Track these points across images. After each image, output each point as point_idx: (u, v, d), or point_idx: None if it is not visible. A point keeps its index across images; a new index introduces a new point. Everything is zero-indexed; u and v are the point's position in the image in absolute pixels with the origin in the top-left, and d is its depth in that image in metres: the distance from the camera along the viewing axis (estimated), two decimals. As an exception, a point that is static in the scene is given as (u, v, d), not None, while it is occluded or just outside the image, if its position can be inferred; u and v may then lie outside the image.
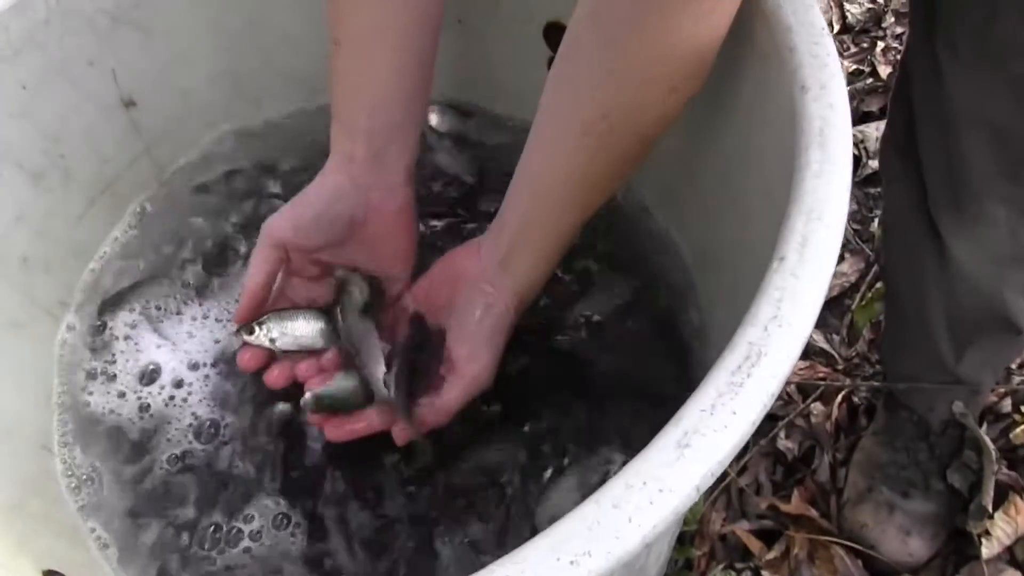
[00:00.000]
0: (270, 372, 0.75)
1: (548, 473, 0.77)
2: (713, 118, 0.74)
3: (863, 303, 1.34)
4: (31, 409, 0.81)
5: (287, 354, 0.76)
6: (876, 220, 1.42)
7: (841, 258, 1.36)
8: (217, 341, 0.86)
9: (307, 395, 0.73)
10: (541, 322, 0.84)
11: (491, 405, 0.79)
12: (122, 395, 0.82)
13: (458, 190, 0.95)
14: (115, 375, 0.84)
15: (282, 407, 0.81)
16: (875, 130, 1.47)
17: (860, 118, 1.53)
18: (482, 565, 0.42)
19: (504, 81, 0.98)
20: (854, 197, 1.43)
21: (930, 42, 0.79)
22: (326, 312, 0.76)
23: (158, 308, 0.87)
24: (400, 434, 0.72)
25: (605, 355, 0.84)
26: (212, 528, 0.76)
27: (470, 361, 0.72)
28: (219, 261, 0.91)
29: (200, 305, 0.88)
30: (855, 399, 1.25)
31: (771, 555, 1.12)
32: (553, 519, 0.43)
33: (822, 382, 1.26)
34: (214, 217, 0.94)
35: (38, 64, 0.80)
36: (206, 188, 0.96)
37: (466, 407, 0.72)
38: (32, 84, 0.80)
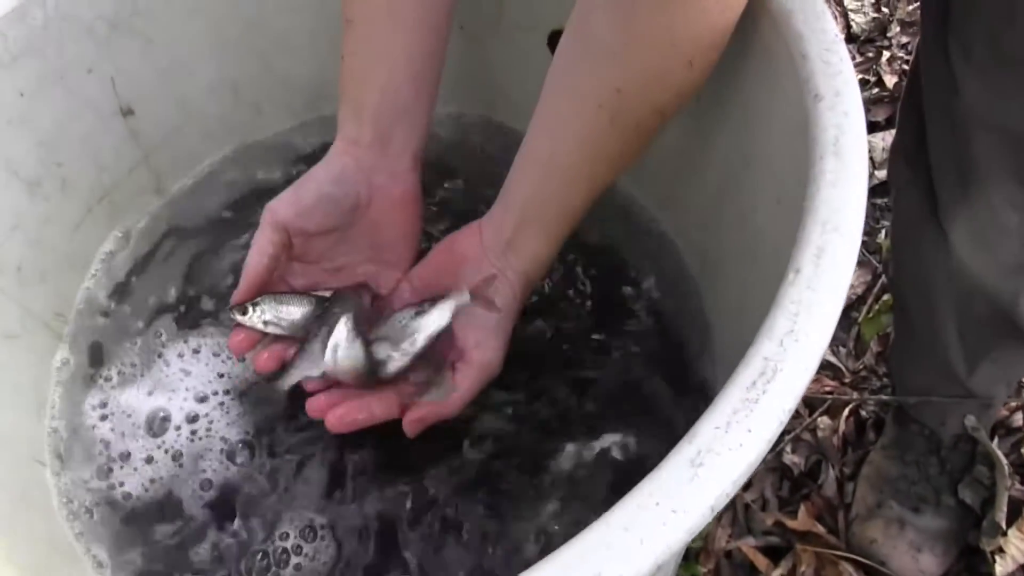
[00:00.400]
0: (259, 355, 0.73)
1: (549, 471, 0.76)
2: (722, 125, 0.72)
3: (870, 315, 1.32)
4: (25, 421, 0.79)
5: (280, 339, 0.73)
6: (883, 231, 1.40)
7: (848, 269, 1.34)
8: (222, 375, 0.83)
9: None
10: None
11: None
12: (125, 456, 0.79)
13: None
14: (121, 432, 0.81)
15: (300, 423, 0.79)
16: (881, 140, 1.46)
17: (866, 128, 1.51)
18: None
19: (506, 89, 0.97)
20: (861, 208, 1.41)
21: (942, 45, 0.78)
22: (323, 300, 0.74)
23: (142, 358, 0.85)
24: (412, 425, 0.69)
25: (603, 358, 0.82)
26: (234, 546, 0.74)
27: (480, 349, 0.70)
28: (205, 292, 0.88)
29: (185, 342, 0.85)
30: (863, 413, 1.24)
31: (778, 572, 1.10)
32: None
33: (829, 395, 1.24)
34: (206, 240, 0.92)
35: (36, 71, 0.79)
36: (201, 207, 0.95)
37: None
38: (30, 91, 0.79)
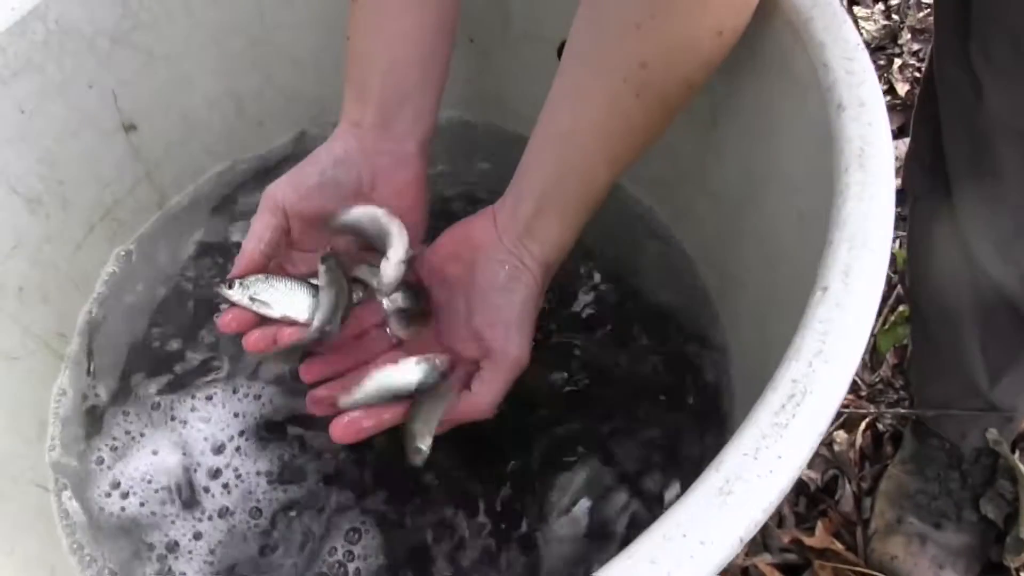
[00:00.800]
0: (250, 335, 0.69)
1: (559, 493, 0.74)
2: (739, 139, 0.71)
3: (886, 327, 1.30)
4: (25, 445, 0.77)
5: (272, 323, 0.71)
6: (899, 241, 1.38)
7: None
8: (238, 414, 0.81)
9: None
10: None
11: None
12: (173, 546, 0.76)
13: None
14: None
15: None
16: (895, 149, 1.43)
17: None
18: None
19: (514, 101, 0.95)
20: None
21: (963, 50, 0.76)
22: (315, 287, 0.72)
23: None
24: (440, 427, 0.65)
25: (618, 372, 0.80)
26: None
27: (506, 343, 0.65)
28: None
29: (193, 397, 0.82)
30: (879, 426, 1.21)
31: (796, 590, 1.08)
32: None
33: (845, 409, 1.22)
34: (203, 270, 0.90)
35: (36, 86, 0.78)
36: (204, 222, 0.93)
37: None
38: (30, 107, 0.78)
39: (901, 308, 1.30)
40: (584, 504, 0.73)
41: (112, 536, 0.75)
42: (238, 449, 0.77)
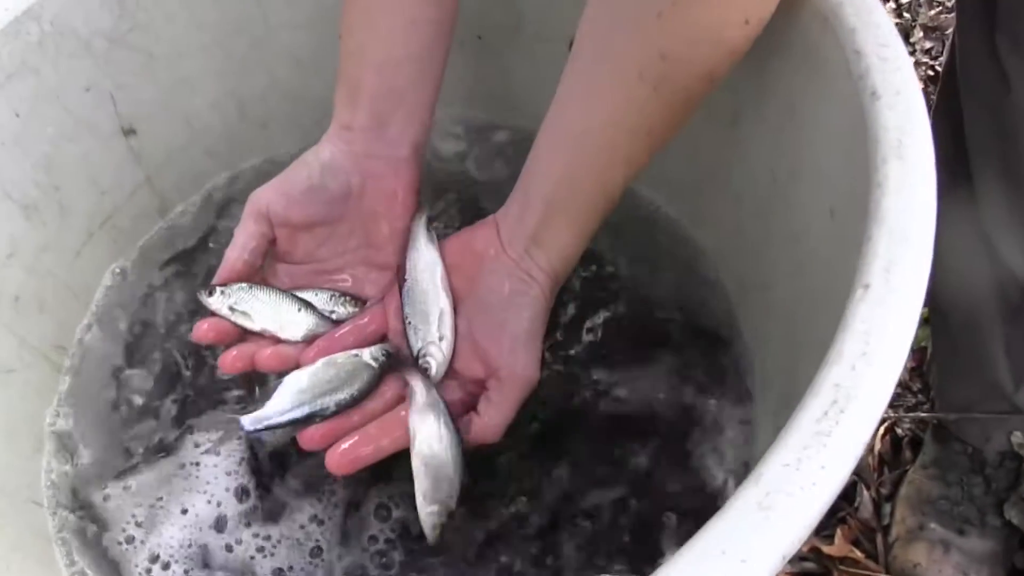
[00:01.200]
0: (226, 354, 0.66)
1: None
2: (762, 135, 0.68)
3: (903, 328, 1.27)
4: (20, 460, 0.75)
5: (253, 337, 0.68)
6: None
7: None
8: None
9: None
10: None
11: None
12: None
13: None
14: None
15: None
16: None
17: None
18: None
19: (525, 101, 0.92)
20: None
21: (989, 43, 0.74)
22: (306, 303, 0.69)
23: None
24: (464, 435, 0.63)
25: (631, 385, 0.77)
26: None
27: (513, 362, 0.62)
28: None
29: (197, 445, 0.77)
30: (898, 431, 1.19)
31: (816, 600, 1.06)
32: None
33: (863, 413, 1.19)
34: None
35: (31, 89, 0.76)
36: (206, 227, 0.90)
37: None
38: (25, 111, 0.75)
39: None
40: (605, 517, 0.70)
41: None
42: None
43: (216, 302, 0.67)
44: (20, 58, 0.74)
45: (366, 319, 0.69)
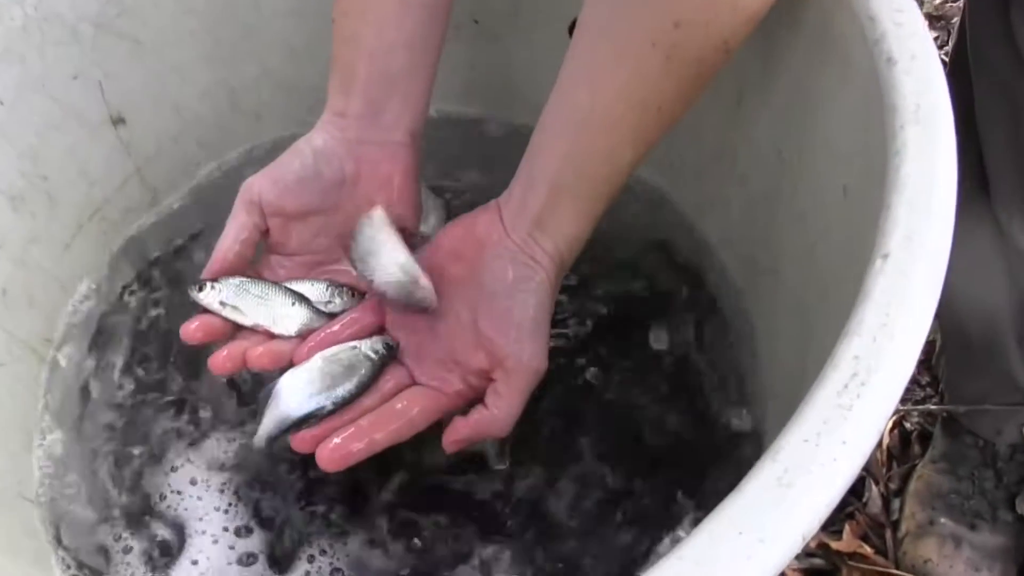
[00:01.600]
0: (216, 355, 0.64)
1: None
2: (771, 113, 0.66)
3: (910, 320, 1.26)
4: (8, 456, 0.72)
5: (245, 333, 0.66)
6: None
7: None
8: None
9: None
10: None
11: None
12: None
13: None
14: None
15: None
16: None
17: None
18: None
19: (524, 89, 0.90)
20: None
21: (1002, 24, 0.72)
22: (301, 296, 0.66)
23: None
24: (452, 446, 0.61)
25: (636, 371, 0.75)
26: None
27: (519, 351, 0.59)
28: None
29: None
30: (907, 425, 1.18)
31: (824, 596, 1.04)
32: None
33: (870, 407, 1.18)
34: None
35: (16, 77, 0.74)
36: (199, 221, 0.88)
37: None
38: (9, 99, 0.73)
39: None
40: (615, 505, 0.68)
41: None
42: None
43: (206, 297, 0.64)
44: (3, 44, 0.72)
45: (362, 311, 0.67)
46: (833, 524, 1.11)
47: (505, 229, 0.61)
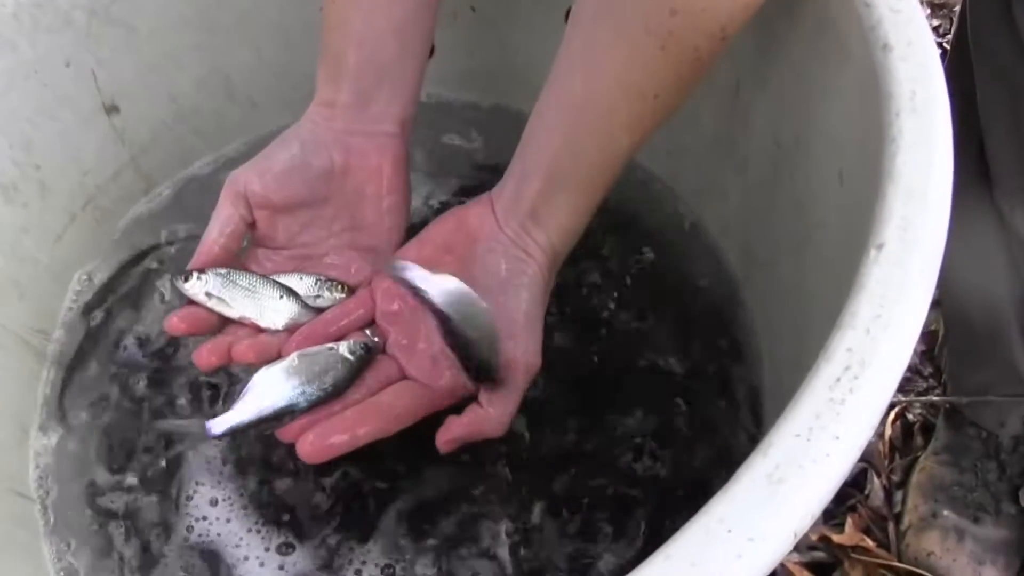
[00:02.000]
0: (200, 349, 0.62)
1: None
2: (767, 101, 0.65)
3: (914, 312, 1.25)
4: (2, 449, 0.72)
5: (231, 327, 0.65)
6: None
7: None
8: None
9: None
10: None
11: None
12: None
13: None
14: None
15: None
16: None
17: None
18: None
19: (521, 75, 0.89)
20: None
21: (1004, 11, 0.72)
22: (288, 289, 0.65)
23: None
24: (446, 445, 0.59)
25: (635, 359, 0.74)
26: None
27: (514, 346, 0.58)
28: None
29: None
30: (909, 416, 1.16)
31: (826, 589, 1.03)
32: None
33: (872, 398, 1.17)
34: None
35: (8, 65, 0.73)
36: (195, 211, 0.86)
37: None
38: (1, 87, 0.73)
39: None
40: (605, 502, 0.67)
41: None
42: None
43: (192, 287, 0.63)
44: (-6, 32, 0.71)
45: (352, 303, 0.66)
46: (835, 517, 1.10)
47: (498, 222, 0.60)
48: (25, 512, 0.71)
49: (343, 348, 0.61)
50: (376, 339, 0.63)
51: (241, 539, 0.67)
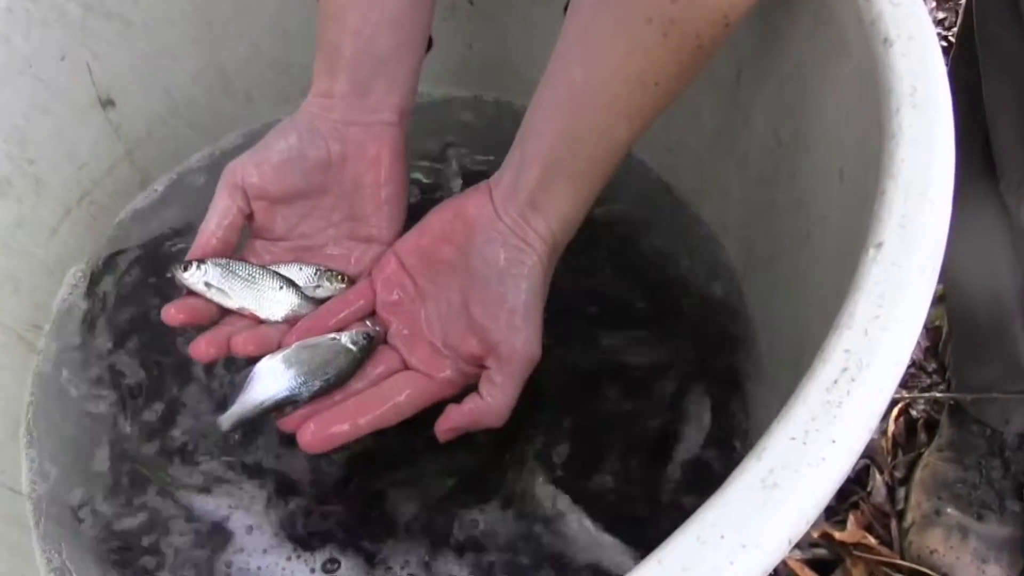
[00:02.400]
0: (198, 340, 0.61)
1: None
2: (767, 95, 0.65)
3: (917, 307, 1.24)
4: (-5, 445, 0.71)
5: (228, 319, 0.64)
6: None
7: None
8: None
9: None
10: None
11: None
12: None
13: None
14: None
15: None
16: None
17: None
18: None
19: (520, 69, 0.89)
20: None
21: (1010, 4, 0.70)
22: (288, 280, 0.65)
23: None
24: (445, 435, 0.59)
25: (632, 357, 0.74)
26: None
27: (512, 337, 0.57)
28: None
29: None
30: (912, 412, 1.15)
31: (828, 587, 1.02)
32: None
33: (876, 394, 1.16)
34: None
35: (1, 59, 0.72)
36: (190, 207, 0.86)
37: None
38: (-6, 81, 0.72)
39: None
40: (600, 498, 0.67)
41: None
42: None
43: (191, 277, 0.62)
44: (-13, 25, 0.71)
45: (352, 294, 0.65)
46: (837, 514, 1.09)
47: (496, 211, 0.59)
48: (16, 507, 0.70)
49: (345, 338, 0.61)
50: (378, 328, 0.63)
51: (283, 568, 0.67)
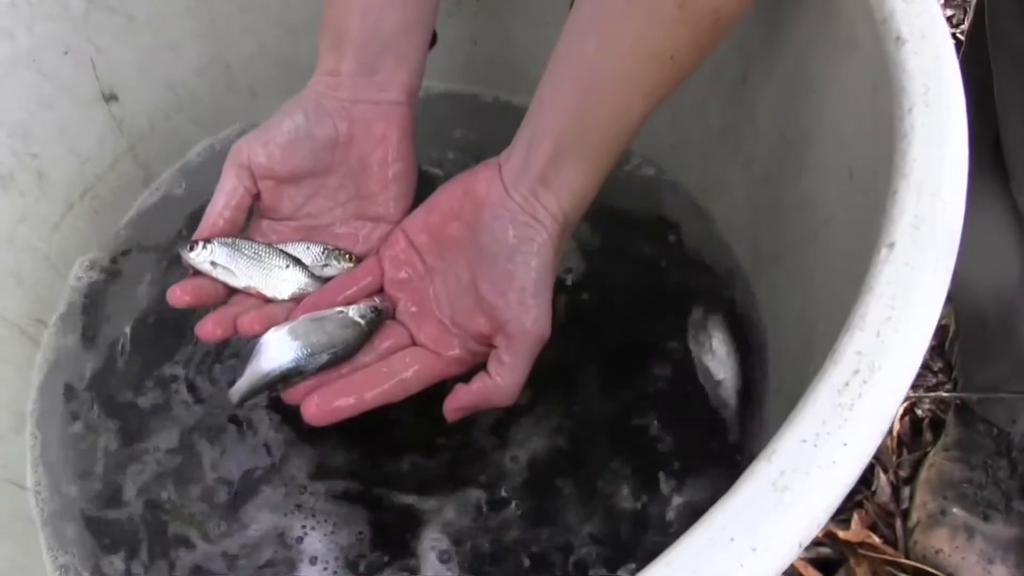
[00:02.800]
0: (205, 321, 0.60)
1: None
2: (775, 93, 0.64)
3: (923, 305, 1.23)
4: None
5: (235, 298, 0.63)
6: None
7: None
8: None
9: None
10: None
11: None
12: None
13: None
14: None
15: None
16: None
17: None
18: None
19: (526, 65, 0.88)
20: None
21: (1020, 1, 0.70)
22: (295, 259, 0.64)
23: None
24: (453, 414, 0.58)
25: (637, 356, 0.73)
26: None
27: (523, 315, 0.56)
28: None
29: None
30: (918, 411, 1.15)
31: (833, 587, 1.02)
32: None
33: (881, 394, 1.15)
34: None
35: (4, 53, 0.72)
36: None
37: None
38: (-2, 75, 0.72)
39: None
40: (604, 498, 0.66)
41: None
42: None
43: (197, 257, 0.62)
44: (-9, 19, 0.70)
45: (360, 271, 0.65)
46: (841, 513, 1.09)
47: (505, 187, 0.59)
48: (21, 503, 0.70)
49: (353, 311, 0.61)
50: (386, 303, 0.62)
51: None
